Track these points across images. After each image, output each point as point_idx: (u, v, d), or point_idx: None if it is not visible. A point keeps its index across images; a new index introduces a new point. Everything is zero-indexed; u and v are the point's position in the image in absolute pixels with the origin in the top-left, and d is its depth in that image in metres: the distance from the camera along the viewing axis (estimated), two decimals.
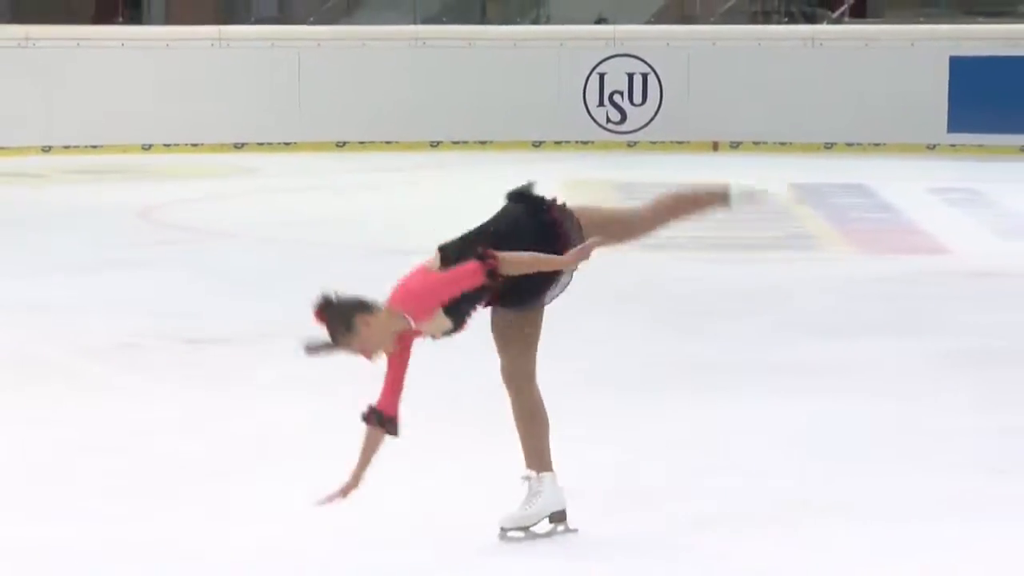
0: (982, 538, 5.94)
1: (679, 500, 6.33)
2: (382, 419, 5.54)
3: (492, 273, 5.49)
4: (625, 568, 5.58)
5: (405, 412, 5.57)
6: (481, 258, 5.50)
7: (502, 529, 5.73)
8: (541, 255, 5.54)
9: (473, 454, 6.80)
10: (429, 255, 5.66)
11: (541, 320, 5.75)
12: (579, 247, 5.54)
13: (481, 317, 5.73)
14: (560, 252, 5.58)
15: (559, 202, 5.74)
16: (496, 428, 6.12)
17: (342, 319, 5.45)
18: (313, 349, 5.54)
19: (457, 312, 5.55)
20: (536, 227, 5.65)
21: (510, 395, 5.76)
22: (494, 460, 6.25)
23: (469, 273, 5.51)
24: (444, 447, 6.92)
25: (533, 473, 5.73)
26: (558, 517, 5.76)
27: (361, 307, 5.48)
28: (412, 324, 5.51)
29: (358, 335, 5.45)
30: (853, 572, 5.60)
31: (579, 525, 5.84)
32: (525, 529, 5.73)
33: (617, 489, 6.49)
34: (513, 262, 5.50)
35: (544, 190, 5.79)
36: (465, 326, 5.62)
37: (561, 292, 5.74)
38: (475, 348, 6.00)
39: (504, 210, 5.76)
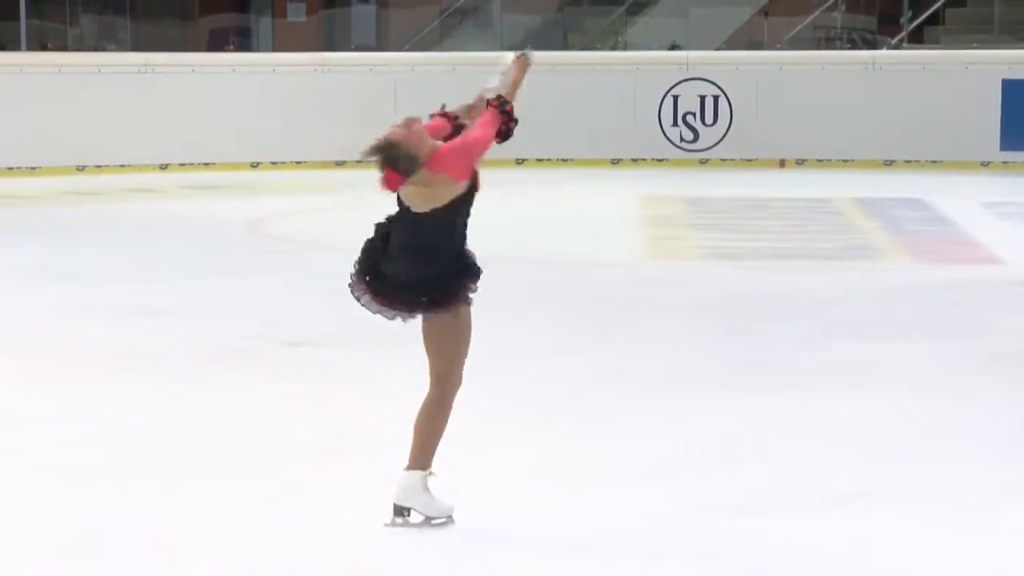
0: (1013, 523, 5.97)
1: (728, 488, 6.38)
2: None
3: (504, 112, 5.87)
4: (680, 548, 5.64)
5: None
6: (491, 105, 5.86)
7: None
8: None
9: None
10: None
11: (468, 327, 5.79)
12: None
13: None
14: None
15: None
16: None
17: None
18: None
19: None
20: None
21: (436, 398, 5.79)
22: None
23: (487, 126, 5.83)
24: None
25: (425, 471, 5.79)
26: (400, 511, 5.80)
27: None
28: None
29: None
30: (890, 555, 5.62)
31: (639, 507, 5.94)
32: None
33: (671, 476, 6.54)
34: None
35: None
36: None
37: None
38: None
39: None
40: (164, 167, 19.91)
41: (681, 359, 8.96)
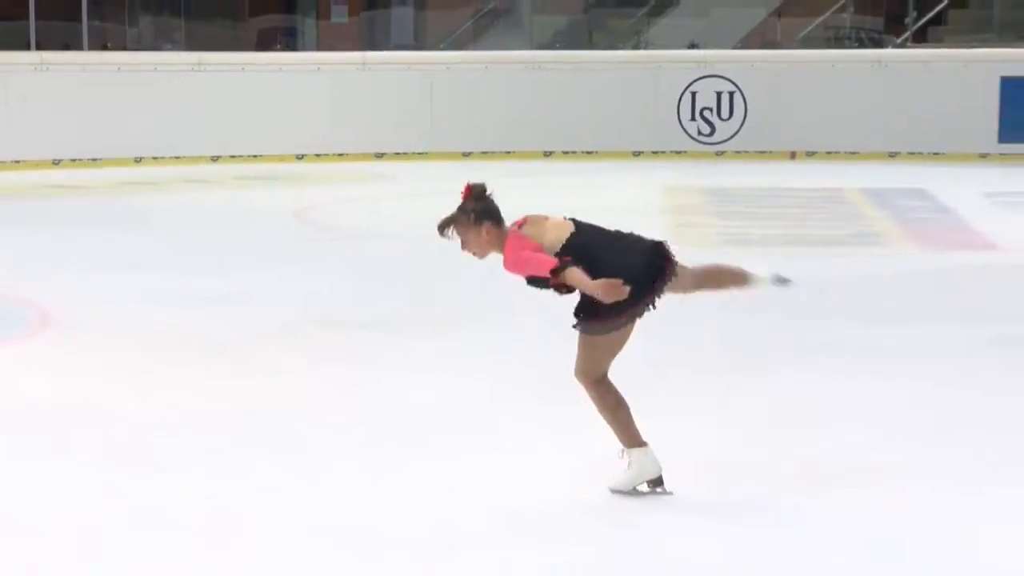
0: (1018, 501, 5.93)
1: (770, 468, 6.34)
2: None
3: (554, 272, 5.58)
4: (727, 527, 5.60)
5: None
6: (559, 258, 5.61)
7: (610, 489, 5.87)
8: (587, 280, 5.55)
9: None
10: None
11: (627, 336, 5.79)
12: (610, 283, 5.54)
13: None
14: (640, 297, 5.64)
15: (676, 261, 5.78)
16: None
17: (476, 211, 5.67)
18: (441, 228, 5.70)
19: (532, 283, 5.72)
20: (643, 265, 5.70)
21: (588, 392, 5.82)
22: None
23: (541, 264, 5.60)
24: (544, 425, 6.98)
25: (625, 449, 5.85)
26: (655, 482, 5.86)
27: (494, 218, 5.70)
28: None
29: (474, 232, 5.67)
30: (923, 527, 5.59)
31: (694, 493, 5.92)
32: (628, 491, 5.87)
33: (707, 459, 6.51)
34: (572, 278, 5.58)
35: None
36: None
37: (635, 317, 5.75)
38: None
39: (637, 238, 5.82)
40: (215, 159, 19.93)
41: (704, 341, 8.92)
